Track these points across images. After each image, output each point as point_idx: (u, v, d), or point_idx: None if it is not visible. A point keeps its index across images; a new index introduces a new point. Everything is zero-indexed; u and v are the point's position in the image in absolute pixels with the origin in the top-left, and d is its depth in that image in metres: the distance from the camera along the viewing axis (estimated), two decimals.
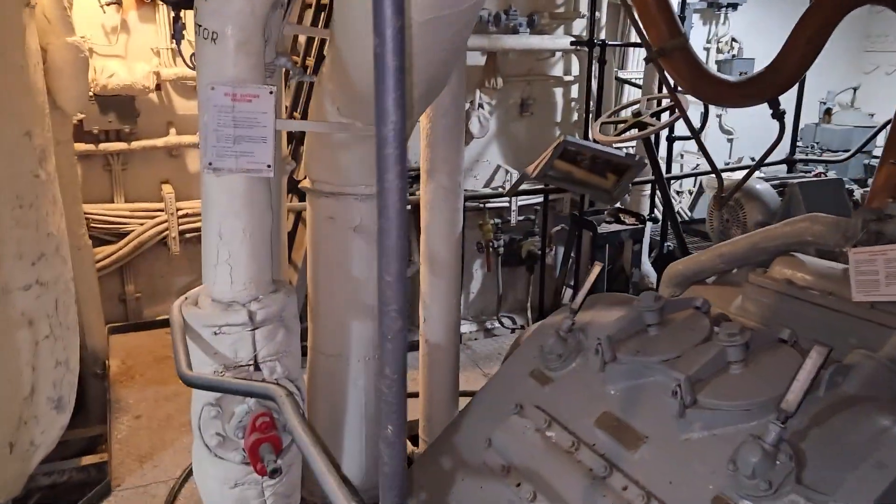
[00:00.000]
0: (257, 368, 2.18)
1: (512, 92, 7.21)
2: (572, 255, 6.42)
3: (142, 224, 6.08)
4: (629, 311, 2.76)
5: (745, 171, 5.48)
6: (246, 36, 2.02)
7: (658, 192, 6.04)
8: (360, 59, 2.29)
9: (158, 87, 5.99)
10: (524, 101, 7.24)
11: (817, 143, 7.47)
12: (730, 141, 8.72)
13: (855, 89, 7.80)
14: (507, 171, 7.11)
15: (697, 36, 7.06)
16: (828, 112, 7.59)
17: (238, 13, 2.00)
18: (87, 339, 4.84)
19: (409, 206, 1.96)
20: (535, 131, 7.43)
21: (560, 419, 2.62)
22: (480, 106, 6.91)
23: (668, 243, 6.69)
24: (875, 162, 6.71)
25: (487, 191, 7.05)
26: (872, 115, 7.69)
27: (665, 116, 4.22)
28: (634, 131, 4.09)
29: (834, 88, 7.89)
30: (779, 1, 8.16)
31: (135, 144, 6.06)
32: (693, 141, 6.29)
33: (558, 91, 7.48)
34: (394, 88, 0.96)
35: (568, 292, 6.83)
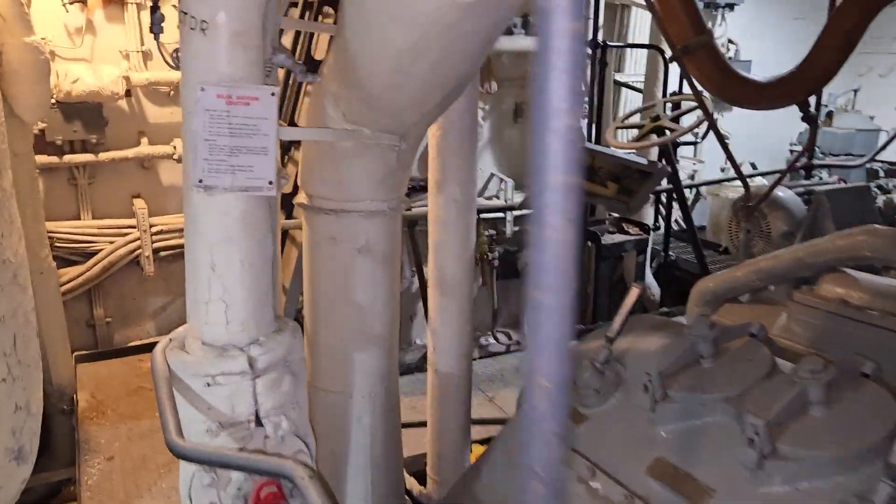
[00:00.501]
0: (259, 424, 1.83)
1: (506, 97, 6.93)
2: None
3: (111, 242, 5.66)
4: (678, 339, 2.46)
5: (753, 178, 5.22)
6: (243, 25, 1.69)
7: (665, 200, 5.79)
8: (377, 56, 1.97)
9: (128, 94, 5.59)
10: (519, 107, 6.97)
11: (818, 147, 7.31)
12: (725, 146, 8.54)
13: (855, 91, 7.67)
14: (501, 180, 6.81)
15: None
16: (829, 115, 7.44)
17: None
18: (51, 373, 4.42)
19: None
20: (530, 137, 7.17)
21: (604, 466, 2.31)
22: None
23: (671, 254, 6.45)
24: (878, 167, 6.54)
25: (499, 202, 6.71)
26: (872, 118, 7.56)
27: (685, 120, 3.95)
28: (654, 136, 3.83)
29: (833, 91, 7.76)
30: (774, 1, 8.02)
31: (103, 156, 5.66)
32: (678, 145, 6.02)
33: None
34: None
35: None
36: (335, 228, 2.65)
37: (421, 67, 1.95)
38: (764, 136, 8.47)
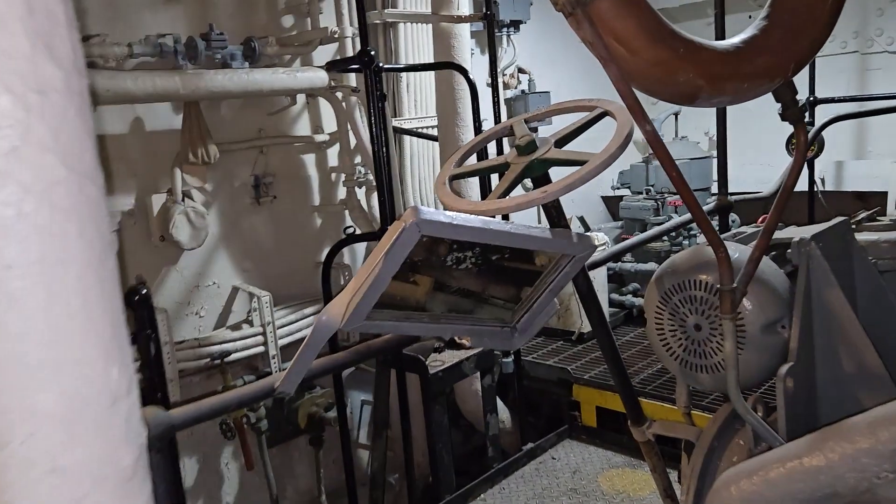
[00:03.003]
0: None
1: (236, 167, 4.81)
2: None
3: None
4: None
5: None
6: None
7: None
8: None
9: None
10: (259, 181, 4.87)
11: (651, 186, 6.25)
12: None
13: (676, 115, 6.84)
14: (252, 297, 4.60)
15: (479, 69, 5.42)
16: None
17: None
18: None
19: None
20: (286, 224, 5.07)
21: None
22: (187, 196, 4.37)
23: (508, 359, 4.59)
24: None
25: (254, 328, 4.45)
26: (698, 143, 6.76)
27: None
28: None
29: (658, 116, 6.83)
30: (558, 21, 6.96)
31: None
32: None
33: (309, 159, 5.25)
34: None
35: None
36: None
37: None
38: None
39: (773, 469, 1.57)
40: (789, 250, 2.21)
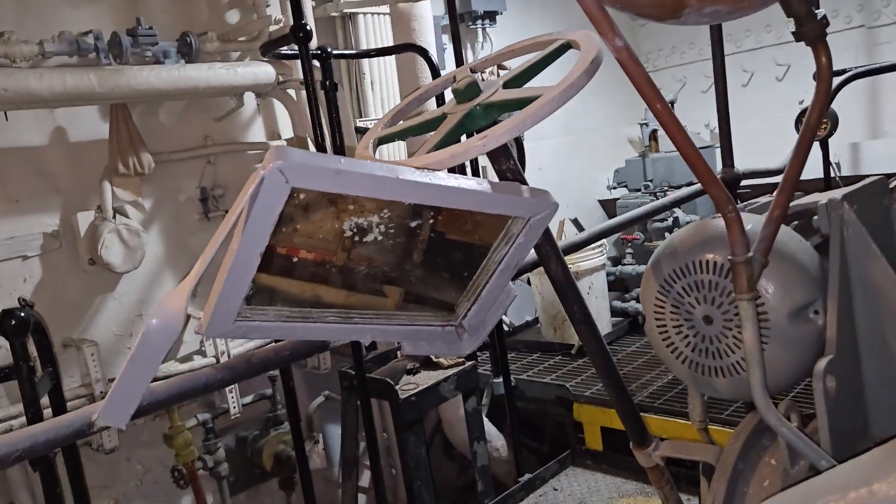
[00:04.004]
0: None
1: (181, 179, 4.41)
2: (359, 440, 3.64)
3: None
4: None
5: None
6: None
7: None
8: None
9: None
10: (207, 193, 4.47)
11: (650, 180, 5.86)
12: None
13: (672, 104, 6.47)
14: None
15: (453, 67, 5.08)
16: (653, 136, 6.07)
17: None
18: None
19: None
20: None
21: None
22: (119, 213, 3.96)
23: (498, 378, 4.13)
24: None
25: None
26: (698, 134, 6.41)
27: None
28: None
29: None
30: (541, 6, 6.61)
31: None
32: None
33: None
34: None
35: None
36: None
37: None
38: (574, 174, 6.95)
39: (832, 500, 1.14)
40: (815, 217, 1.80)
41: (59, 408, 2.30)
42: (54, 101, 3.47)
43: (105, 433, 3.72)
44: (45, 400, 2.58)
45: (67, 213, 3.90)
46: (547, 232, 1.66)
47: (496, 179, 1.48)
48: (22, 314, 2.00)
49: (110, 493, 4.12)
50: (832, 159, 5.64)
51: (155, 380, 3.99)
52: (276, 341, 1.80)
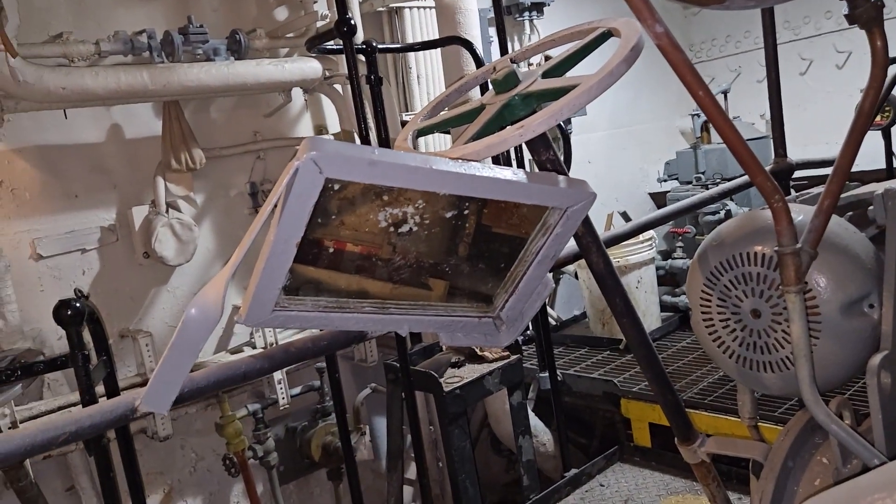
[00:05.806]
0: None
1: (231, 175, 4.50)
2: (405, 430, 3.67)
3: None
4: None
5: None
6: None
7: None
8: None
9: None
10: (257, 188, 4.55)
11: (702, 172, 5.74)
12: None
13: (725, 94, 6.31)
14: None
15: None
16: (704, 127, 5.93)
17: None
18: None
19: None
20: None
21: None
22: (171, 208, 4.06)
23: (544, 373, 4.09)
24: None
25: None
26: (753, 125, 6.23)
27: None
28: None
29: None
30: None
31: None
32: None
33: None
34: None
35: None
36: None
37: None
38: (624, 167, 6.85)
39: (878, 499, 1.10)
40: (871, 207, 1.73)
41: (113, 395, 2.39)
42: (109, 99, 3.58)
43: (159, 421, 3.83)
44: (101, 388, 2.67)
45: (123, 208, 4.03)
46: (588, 223, 1.64)
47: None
48: (77, 304, 2.08)
49: (165, 479, 4.25)
50: (895, 149, 5.42)
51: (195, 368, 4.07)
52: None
